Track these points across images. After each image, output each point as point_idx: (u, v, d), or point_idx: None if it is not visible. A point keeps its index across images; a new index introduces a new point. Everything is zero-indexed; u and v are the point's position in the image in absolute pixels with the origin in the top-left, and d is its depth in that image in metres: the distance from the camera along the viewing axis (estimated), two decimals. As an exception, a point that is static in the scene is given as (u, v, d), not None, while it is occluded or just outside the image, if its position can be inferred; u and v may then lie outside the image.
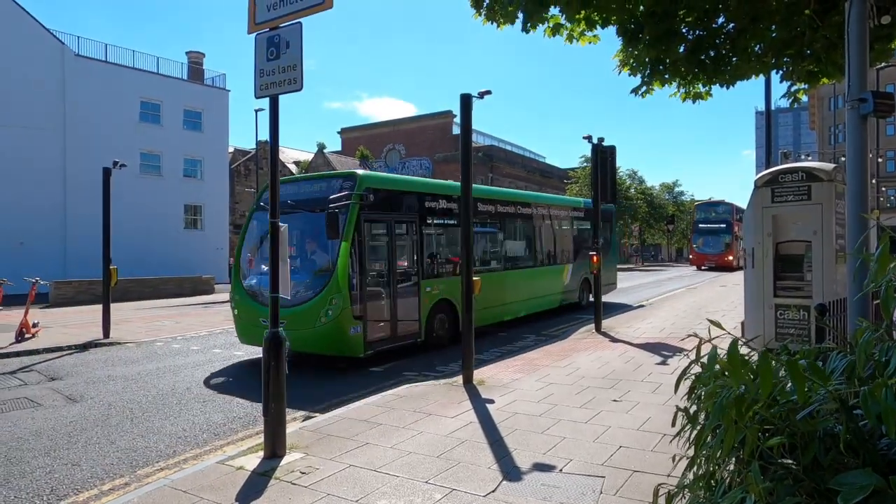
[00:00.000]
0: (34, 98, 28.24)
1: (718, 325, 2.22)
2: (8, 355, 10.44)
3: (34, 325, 12.41)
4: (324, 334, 8.55)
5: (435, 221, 10.71)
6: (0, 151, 27.00)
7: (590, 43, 5.46)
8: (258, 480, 4.37)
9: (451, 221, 11.03)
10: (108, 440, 5.72)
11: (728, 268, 36.34)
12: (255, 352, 10.33)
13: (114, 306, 13.13)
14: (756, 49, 5.07)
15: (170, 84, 34.34)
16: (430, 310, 10.13)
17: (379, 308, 9.25)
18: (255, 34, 5.06)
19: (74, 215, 28.59)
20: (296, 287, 8.04)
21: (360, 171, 9.92)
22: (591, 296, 15.08)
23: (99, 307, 12.81)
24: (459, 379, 7.42)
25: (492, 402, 6.41)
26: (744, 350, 2.25)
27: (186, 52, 38.82)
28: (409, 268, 10.04)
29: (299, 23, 4.82)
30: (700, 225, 40.50)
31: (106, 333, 12.21)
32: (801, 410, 1.71)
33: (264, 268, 8.48)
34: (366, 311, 8.84)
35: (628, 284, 26.35)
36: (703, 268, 38.42)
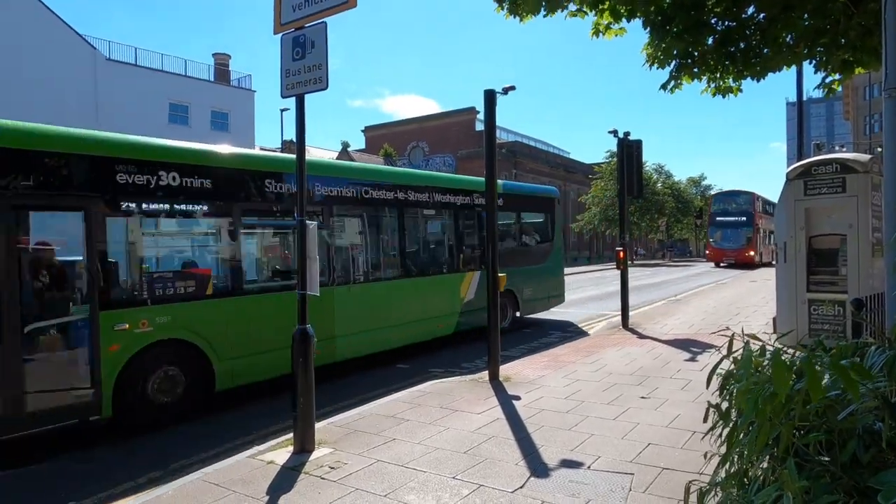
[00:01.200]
0: (68, 102, 29.01)
1: (755, 337, 2.17)
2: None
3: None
4: None
5: (139, 207, 6.27)
6: (36, 154, 27.82)
7: (616, 36, 5.39)
8: (288, 475, 4.43)
9: (196, 206, 6.78)
10: (140, 436, 5.86)
11: (749, 264, 33.37)
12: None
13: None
14: (787, 39, 4.95)
15: (197, 86, 34.98)
16: (129, 362, 5.88)
17: None
18: (280, 34, 5.12)
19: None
20: None
21: None
22: (519, 313, 11.99)
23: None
24: (485, 375, 7.42)
25: (518, 398, 6.40)
26: (772, 346, 2.21)
27: (213, 55, 39.48)
28: (67, 289, 5.83)
29: (324, 22, 4.86)
30: (717, 217, 36.76)
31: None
32: (839, 407, 1.67)
33: None
34: None
35: (655, 280, 26.00)
36: (721, 264, 35.10)
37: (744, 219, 35.32)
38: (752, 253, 34.49)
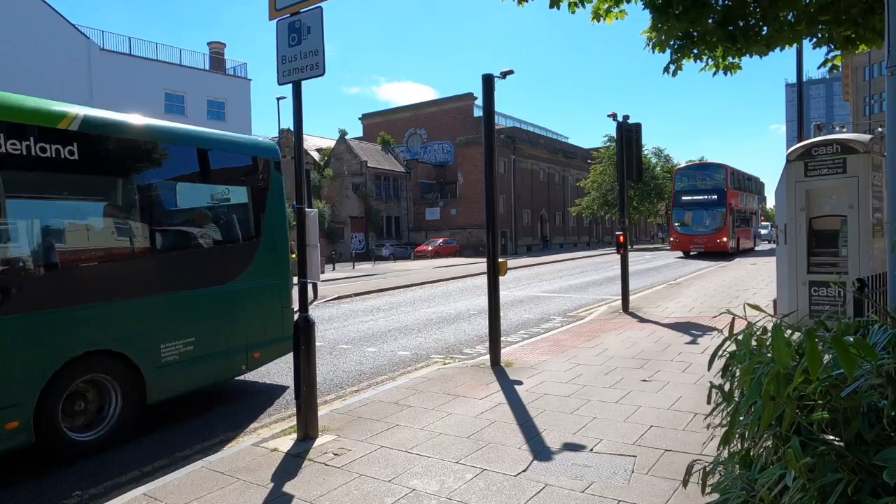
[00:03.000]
0: (62, 93, 28.78)
1: (757, 307, 2.18)
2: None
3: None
4: None
5: None
6: (33, 147, 27.69)
7: (617, 19, 5.32)
8: (292, 462, 4.46)
9: None
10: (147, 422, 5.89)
11: (722, 253, 28.33)
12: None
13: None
14: (789, 17, 4.89)
15: (193, 75, 34.75)
16: None
17: None
18: (276, 20, 5.07)
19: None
20: None
21: None
22: (148, 396, 5.68)
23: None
24: (487, 361, 7.45)
25: (520, 383, 6.42)
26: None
27: (208, 43, 39.15)
28: None
29: (320, 7, 4.81)
30: (683, 197, 30.47)
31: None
32: (844, 386, 1.67)
33: None
34: None
35: (655, 265, 26.02)
36: (691, 253, 29.76)
37: (714, 197, 29.53)
38: (724, 239, 28.55)
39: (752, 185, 36.03)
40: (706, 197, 29.76)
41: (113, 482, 4.50)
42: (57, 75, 28.51)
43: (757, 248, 36.17)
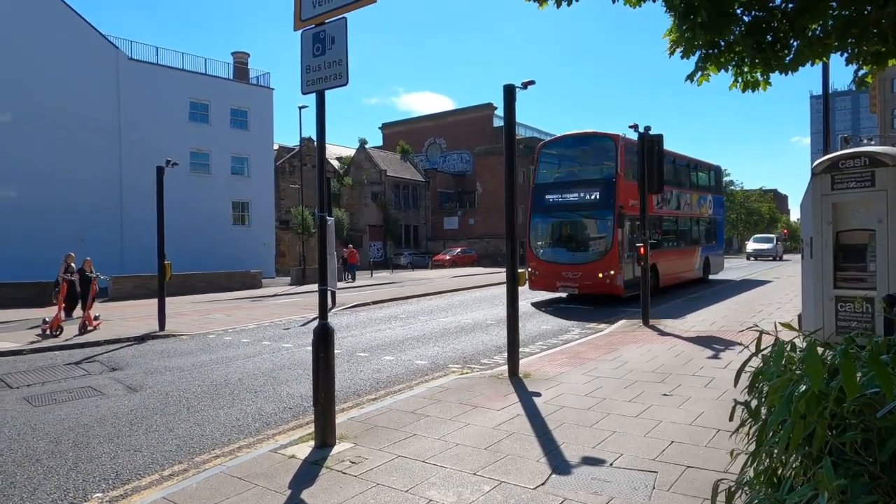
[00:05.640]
0: (90, 102, 29.51)
1: (789, 325, 2.13)
2: (72, 347, 10.99)
3: (96, 318, 13.01)
4: None
5: None
6: (60, 153, 28.33)
7: (640, 5, 5.18)
8: (310, 469, 4.46)
9: None
10: (166, 428, 5.95)
11: (612, 293, 15.46)
12: (303, 344, 10.56)
13: (169, 300, 13.63)
14: (817, 31, 4.82)
15: (217, 84, 35.32)
16: None
17: None
18: (300, 31, 5.14)
19: (130, 211, 29.79)
20: None
21: None
22: None
23: (155, 301, 13.32)
24: (505, 371, 7.40)
25: (538, 395, 6.36)
26: (800, 343, 2.16)
27: (232, 53, 39.86)
28: None
29: (344, 18, 4.87)
30: (548, 195, 16.91)
31: (162, 326, 12.69)
32: (879, 405, 1.62)
33: None
34: None
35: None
36: (558, 291, 16.78)
37: (596, 195, 16.02)
38: (611, 271, 15.21)
39: (696, 177, 21.17)
40: (582, 194, 16.29)
41: (133, 485, 4.54)
42: (86, 84, 29.21)
43: (714, 278, 22.18)
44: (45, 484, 4.59)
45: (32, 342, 11.26)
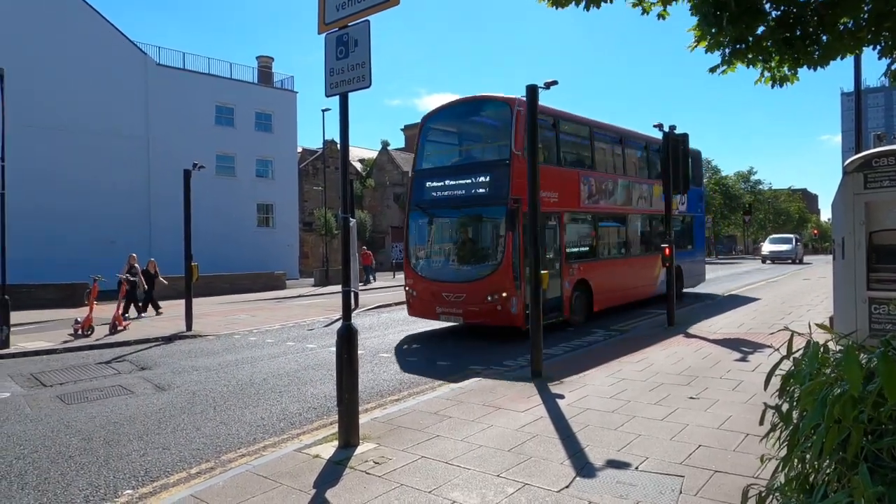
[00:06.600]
0: (119, 106, 30.22)
1: (826, 328, 2.08)
2: (103, 346, 11.25)
3: (125, 319, 13.31)
4: None
5: None
6: (91, 156, 29.05)
7: (665, 18, 5.17)
8: (334, 469, 4.49)
9: None
10: (193, 426, 6.05)
11: (506, 325, 10.66)
12: (327, 345, 10.65)
13: (196, 301, 13.87)
14: (849, 24, 4.69)
15: (242, 88, 35.90)
16: None
17: None
18: (324, 34, 5.18)
19: (158, 215, 30.44)
20: None
21: None
22: None
23: (182, 301, 13.57)
24: (528, 373, 7.36)
25: (562, 397, 6.32)
26: (833, 346, 2.10)
27: (257, 57, 40.45)
28: None
29: (367, 21, 4.90)
30: (429, 186, 11.90)
31: (189, 326, 12.91)
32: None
33: None
34: None
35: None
36: (438, 318, 11.53)
37: (484, 185, 11.10)
38: (503, 293, 10.37)
39: (655, 161, 15.45)
40: (469, 184, 11.46)
41: (161, 483, 4.63)
42: (116, 89, 29.92)
43: (690, 291, 17.33)
44: (78, 480, 4.70)
45: (65, 341, 11.56)
